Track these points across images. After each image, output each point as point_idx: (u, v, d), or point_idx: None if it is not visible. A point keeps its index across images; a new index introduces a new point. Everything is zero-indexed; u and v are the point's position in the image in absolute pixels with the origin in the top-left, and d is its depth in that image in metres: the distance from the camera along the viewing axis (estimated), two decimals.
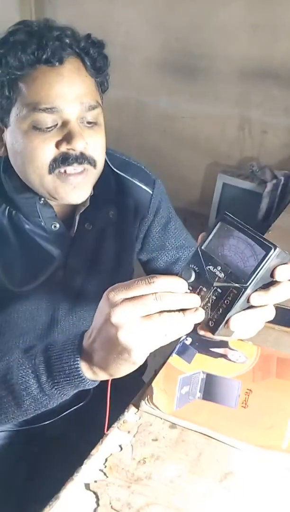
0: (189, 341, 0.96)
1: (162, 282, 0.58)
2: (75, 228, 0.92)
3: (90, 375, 0.66)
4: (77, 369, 0.65)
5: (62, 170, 0.81)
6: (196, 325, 0.65)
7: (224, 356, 0.94)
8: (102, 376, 0.66)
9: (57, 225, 0.90)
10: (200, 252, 0.66)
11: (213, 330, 0.64)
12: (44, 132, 0.79)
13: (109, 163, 0.98)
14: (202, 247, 0.66)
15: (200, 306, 0.63)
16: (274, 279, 0.62)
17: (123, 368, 0.62)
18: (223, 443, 0.77)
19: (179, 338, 0.97)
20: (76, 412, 1.03)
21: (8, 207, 0.89)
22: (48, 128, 0.79)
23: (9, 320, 0.93)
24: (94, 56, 0.83)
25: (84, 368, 0.65)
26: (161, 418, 0.81)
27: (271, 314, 0.66)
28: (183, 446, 0.76)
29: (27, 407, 0.70)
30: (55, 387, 0.67)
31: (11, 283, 0.90)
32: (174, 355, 0.93)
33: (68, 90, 0.78)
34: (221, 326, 0.63)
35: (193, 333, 0.96)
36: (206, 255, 0.65)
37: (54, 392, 0.68)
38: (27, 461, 1.04)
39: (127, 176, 1.01)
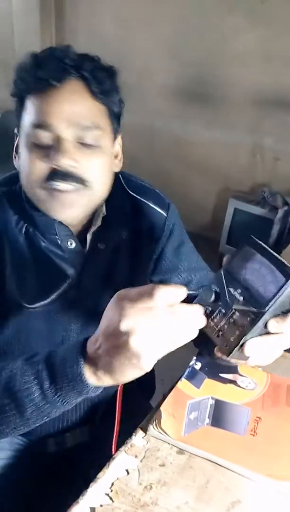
0: (198, 366, 0.96)
1: (164, 293, 0.59)
2: (87, 247, 0.93)
3: (93, 381, 0.64)
4: (80, 374, 0.63)
5: (50, 186, 0.83)
6: (210, 349, 0.65)
7: (233, 382, 0.93)
8: (107, 381, 0.64)
9: (73, 243, 0.92)
10: (223, 273, 0.67)
11: (228, 353, 0.64)
12: (42, 149, 0.82)
13: (125, 185, 1.00)
14: (226, 269, 0.67)
15: (217, 328, 0.64)
16: None
17: (131, 373, 0.61)
18: (231, 471, 0.76)
19: (189, 363, 0.97)
20: (83, 435, 1.02)
21: (26, 225, 0.91)
22: (46, 145, 0.82)
23: (19, 337, 0.94)
24: (101, 80, 0.85)
25: (88, 374, 0.63)
26: (169, 443, 0.80)
27: (288, 342, 0.66)
28: (191, 473, 0.75)
29: (29, 416, 0.67)
30: (58, 393, 0.65)
31: (24, 299, 0.91)
32: (183, 379, 0.92)
33: (65, 110, 0.81)
34: (236, 349, 0.63)
35: (204, 357, 0.96)
36: (228, 277, 0.66)
37: (56, 399, 0.66)
38: (32, 482, 1.03)
39: (142, 199, 1.03)
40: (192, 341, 1.06)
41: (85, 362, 0.64)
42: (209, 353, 0.67)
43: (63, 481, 1.00)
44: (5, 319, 0.93)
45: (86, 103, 0.84)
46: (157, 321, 0.58)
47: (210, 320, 0.65)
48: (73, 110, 0.82)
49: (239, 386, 0.93)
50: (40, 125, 0.81)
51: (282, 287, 0.60)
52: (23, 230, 0.91)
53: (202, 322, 0.63)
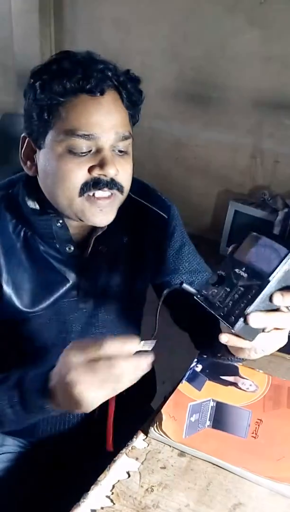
0: (199, 368, 0.96)
1: (111, 345, 0.66)
2: (89, 250, 0.93)
3: (55, 406, 0.72)
4: (44, 403, 0.73)
5: (91, 193, 0.84)
6: (213, 351, 0.68)
7: (234, 384, 0.93)
8: (65, 409, 0.72)
9: (72, 248, 0.92)
10: (228, 258, 0.71)
11: (233, 324, 0.66)
12: (79, 157, 0.82)
13: None
14: (232, 253, 0.71)
15: (223, 306, 0.68)
16: None
17: (78, 411, 0.69)
18: (232, 473, 0.75)
19: (190, 365, 0.97)
20: (84, 437, 1.02)
21: (24, 229, 0.91)
22: (83, 153, 0.82)
23: (20, 341, 0.94)
24: (131, 91, 0.87)
25: (50, 401, 0.72)
26: (170, 446, 0.80)
27: None
28: (192, 475, 0.75)
29: (8, 427, 0.82)
30: (28, 413, 0.76)
31: (22, 304, 0.91)
32: (184, 382, 0.92)
33: (105, 120, 0.82)
34: (240, 320, 0.65)
35: (204, 359, 0.96)
36: (234, 261, 0.70)
37: (27, 416, 0.76)
38: (32, 484, 1.03)
39: (143, 201, 1.03)
40: (193, 343, 1.07)
41: (48, 392, 0.71)
42: (213, 353, 0.70)
43: (64, 483, 1.00)
44: (4, 324, 0.92)
45: (121, 112, 0.85)
46: (98, 375, 0.65)
47: (215, 302, 0.69)
48: (113, 119, 0.83)
49: (240, 388, 0.92)
50: (80, 134, 0.81)
51: (284, 257, 0.64)
52: (22, 234, 0.91)
53: (143, 370, 0.67)
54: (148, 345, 0.69)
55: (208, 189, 3.63)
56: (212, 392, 0.91)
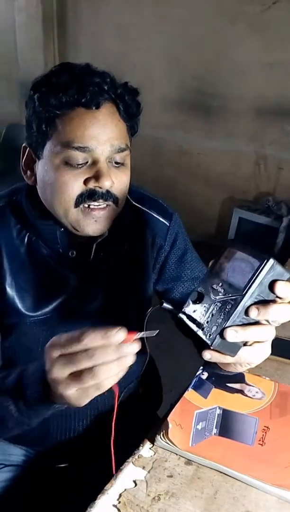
0: (205, 375, 0.96)
1: (92, 338, 0.62)
2: (92, 256, 0.94)
3: (56, 400, 0.69)
4: (42, 396, 0.70)
5: (86, 205, 0.85)
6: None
7: (240, 391, 0.93)
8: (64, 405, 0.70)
9: (74, 253, 0.93)
10: (207, 274, 0.71)
11: (211, 341, 0.66)
12: (75, 168, 0.84)
13: (128, 196, 1.01)
14: (210, 270, 0.71)
15: (202, 323, 0.68)
16: (275, 295, 0.64)
17: (71, 406, 0.67)
18: (240, 481, 0.75)
19: (196, 373, 0.96)
20: (90, 446, 1.02)
21: (28, 234, 0.92)
22: (79, 165, 0.84)
23: (23, 345, 0.94)
24: (128, 103, 0.88)
25: (51, 394, 0.69)
26: (177, 454, 0.79)
27: (270, 334, 0.68)
28: (199, 483, 0.75)
29: (11, 428, 0.77)
30: (30, 409, 0.73)
31: (25, 307, 0.92)
32: (190, 389, 0.92)
33: (101, 132, 0.83)
34: (217, 336, 0.65)
35: (209, 367, 0.96)
36: (212, 277, 0.70)
37: (30, 412, 0.74)
38: (39, 494, 1.03)
39: (145, 208, 1.04)
40: (197, 351, 1.06)
41: (47, 383, 0.68)
42: (211, 364, 0.69)
43: (71, 493, 1.00)
44: (8, 328, 0.93)
45: (118, 125, 0.87)
46: (76, 368, 0.62)
47: (196, 318, 0.69)
48: (108, 132, 0.84)
49: (246, 395, 0.92)
50: (76, 146, 0.82)
51: (257, 270, 0.63)
52: (26, 239, 0.92)
53: (127, 361, 0.64)
54: (147, 335, 0.68)
55: (212, 197, 3.64)
56: (218, 399, 0.90)
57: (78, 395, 0.64)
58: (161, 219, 1.05)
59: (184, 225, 1.10)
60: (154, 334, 0.68)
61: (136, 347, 0.63)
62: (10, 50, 4.09)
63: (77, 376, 0.63)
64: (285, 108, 3.14)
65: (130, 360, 0.63)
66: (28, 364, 0.77)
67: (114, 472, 0.78)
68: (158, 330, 0.68)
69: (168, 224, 1.05)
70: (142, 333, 0.66)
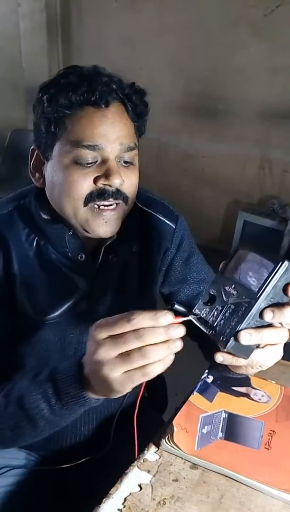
0: (210, 379, 0.95)
1: (142, 318, 0.61)
2: (100, 259, 0.94)
3: (92, 394, 0.70)
4: (80, 390, 0.70)
5: (96, 204, 0.85)
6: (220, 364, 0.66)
7: (246, 395, 0.93)
8: (102, 395, 0.70)
9: (83, 256, 0.93)
10: (219, 277, 0.70)
11: (224, 344, 0.65)
12: (84, 167, 0.84)
13: (135, 199, 1.01)
14: (222, 272, 0.70)
15: (215, 325, 0.66)
16: (289, 297, 0.64)
17: (111, 394, 0.66)
18: (246, 485, 0.75)
19: (201, 376, 0.96)
20: (96, 450, 1.02)
21: (36, 238, 0.92)
22: (88, 164, 0.84)
23: (32, 350, 0.94)
24: (136, 103, 0.89)
25: (87, 389, 0.69)
26: (182, 458, 0.79)
27: (284, 336, 0.67)
28: (205, 488, 0.74)
29: (42, 428, 0.76)
30: (65, 407, 0.72)
31: (35, 312, 0.92)
32: (195, 393, 0.92)
33: (110, 131, 0.84)
34: (231, 339, 0.64)
35: (215, 370, 0.96)
36: (224, 279, 0.69)
37: (64, 412, 0.72)
38: (45, 498, 1.02)
39: (151, 211, 1.04)
40: (204, 354, 1.06)
41: (83, 379, 0.69)
42: (219, 367, 0.68)
43: (76, 497, 0.99)
44: (17, 332, 0.93)
45: (127, 124, 0.87)
46: (124, 349, 0.61)
47: (208, 320, 0.68)
48: (117, 130, 0.84)
49: (252, 399, 0.92)
50: (86, 144, 0.83)
51: (271, 273, 0.63)
52: (34, 243, 0.92)
53: (175, 346, 0.62)
54: (192, 319, 0.68)
55: (217, 200, 3.64)
56: (224, 403, 0.90)
57: (123, 379, 0.62)
58: (167, 221, 1.05)
59: (189, 228, 1.10)
60: (198, 316, 0.68)
61: (183, 330, 0.63)
62: (15, 56, 4.12)
63: (125, 356, 0.61)
64: None
65: (178, 345, 0.62)
66: (40, 367, 0.77)
67: (136, 456, 0.79)
68: (200, 314, 0.68)
69: (174, 226, 1.05)
70: (188, 317, 0.67)
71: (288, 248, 3.06)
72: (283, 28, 3.01)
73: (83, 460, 0.98)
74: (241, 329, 0.64)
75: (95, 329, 0.64)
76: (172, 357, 0.63)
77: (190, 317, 0.69)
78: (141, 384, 0.73)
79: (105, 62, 0.90)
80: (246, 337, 0.64)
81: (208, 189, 3.65)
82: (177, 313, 0.68)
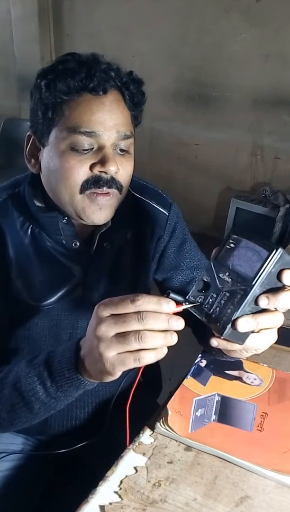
0: (204, 363, 0.97)
1: (146, 301, 0.62)
2: (94, 246, 0.95)
3: (87, 377, 0.71)
4: (75, 372, 0.71)
5: (92, 191, 0.85)
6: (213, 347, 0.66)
7: (239, 378, 0.94)
8: (96, 378, 0.70)
9: (78, 243, 0.94)
10: (212, 264, 0.70)
11: (221, 331, 0.66)
12: (80, 154, 0.84)
13: (129, 187, 1.02)
14: (215, 259, 0.70)
15: (210, 313, 0.67)
16: (283, 284, 0.65)
17: (103, 377, 0.68)
18: (239, 467, 0.76)
19: (194, 360, 0.97)
20: (92, 434, 1.03)
21: (31, 226, 0.93)
22: (85, 150, 0.84)
23: (28, 335, 0.95)
24: (133, 92, 0.89)
25: (82, 371, 0.71)
26: (176, 441, 0.81)
27: (279, 320, 0.68)
28: (199, 469, 0.76)
29: (37, 411, 0.77)
30: (60, 390, 0.73)
31: (31, 298, 0.93)
32: (189, 377, 0.93)
33: (108, 118, 0.84)
34: (228, 326, 0.65)
35: (208, 354, 0.97)
36: (217, 266, 0.69)
37: (59, 394, 0.74)
38: (42, 481, 1.04)
39: (144, 199, 1.05)
40: (197, 339, 1.07)
41: (78, 361, 0.71)
42: (212, 350, 0.68)
43: (73, 480, 1.01)
44: (13, 318, 0.94)
45: (124, 112, 0.87)
46: (124, 328, 0.62)
47: (203, 307, 0.68)
48: (114, 118, 0.85)
49: (244, 382, 0.93)
50: (82, 131, 0.83)
51: (265, 260, 0.63)
52: (29, 231, 0.93)
53: (172, 338, 0.63)
54: (192, 307, 0.69)
55: (210, 187, 3.64)
56: (217, 386, 0.91)
57: (115, 360, 0.63)
58: (160, 209, 1.05)
59: (182, 215, 1.11)
60: (198, 304, 0.69)
61: (182, 324, 0.63)
62: (6, 44, 4.06)
63: (122, 337, 0.62)
64: (282, 99, 3.14)
65: (174, 338, 0.63)
66: (35, 352, 0.78)
67: (128, 444, 0.80)
68: (195, 301, 0.69)
69: (167, 214, 1.06)
70: (189, 305, 0.68)
71: (280, 234, 3.07)
72: (274, 14, 2.99)
73: (80, 445, 0.99)
74: (238, 317, 0.64)
75: (99, 307, 0.65)
76: (165, 350, 0.64)
77: (188, 306, 0.69)
78: (138, 372, 0.74)
79: (98, 50, 0.90)
80: (244, 324, 0.64)
81: (201, 176, 3.65)
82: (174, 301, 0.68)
